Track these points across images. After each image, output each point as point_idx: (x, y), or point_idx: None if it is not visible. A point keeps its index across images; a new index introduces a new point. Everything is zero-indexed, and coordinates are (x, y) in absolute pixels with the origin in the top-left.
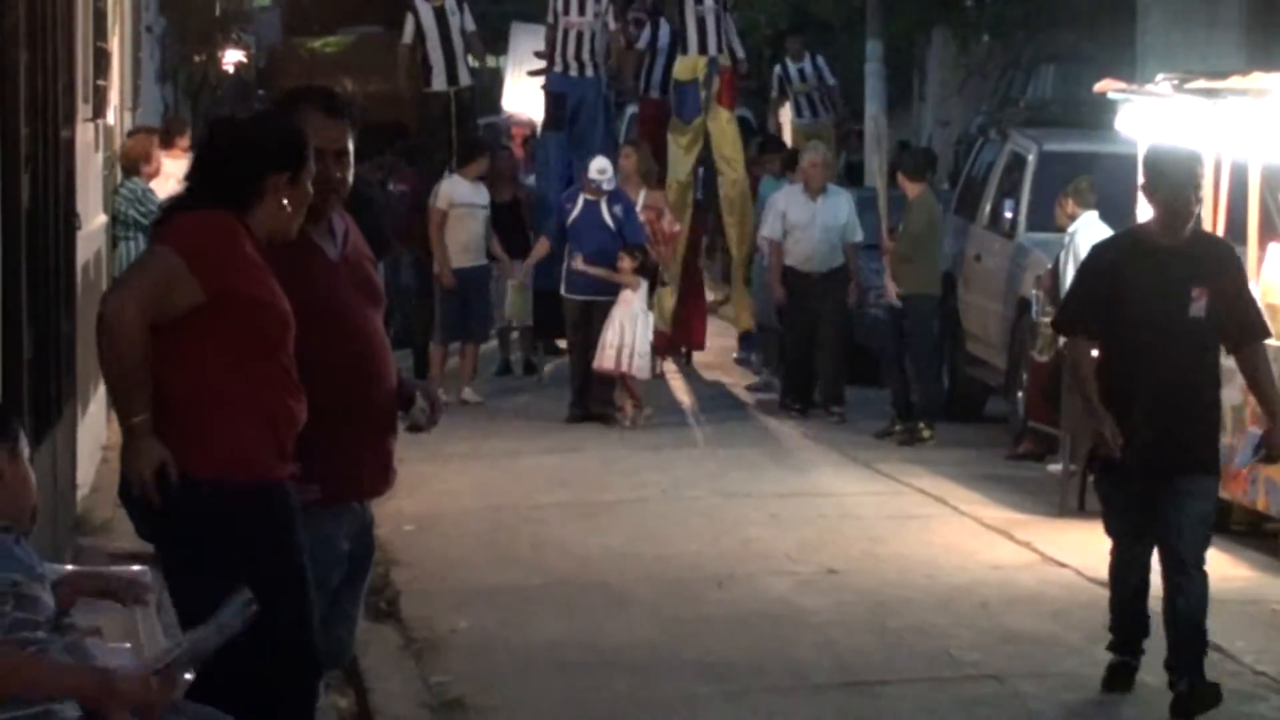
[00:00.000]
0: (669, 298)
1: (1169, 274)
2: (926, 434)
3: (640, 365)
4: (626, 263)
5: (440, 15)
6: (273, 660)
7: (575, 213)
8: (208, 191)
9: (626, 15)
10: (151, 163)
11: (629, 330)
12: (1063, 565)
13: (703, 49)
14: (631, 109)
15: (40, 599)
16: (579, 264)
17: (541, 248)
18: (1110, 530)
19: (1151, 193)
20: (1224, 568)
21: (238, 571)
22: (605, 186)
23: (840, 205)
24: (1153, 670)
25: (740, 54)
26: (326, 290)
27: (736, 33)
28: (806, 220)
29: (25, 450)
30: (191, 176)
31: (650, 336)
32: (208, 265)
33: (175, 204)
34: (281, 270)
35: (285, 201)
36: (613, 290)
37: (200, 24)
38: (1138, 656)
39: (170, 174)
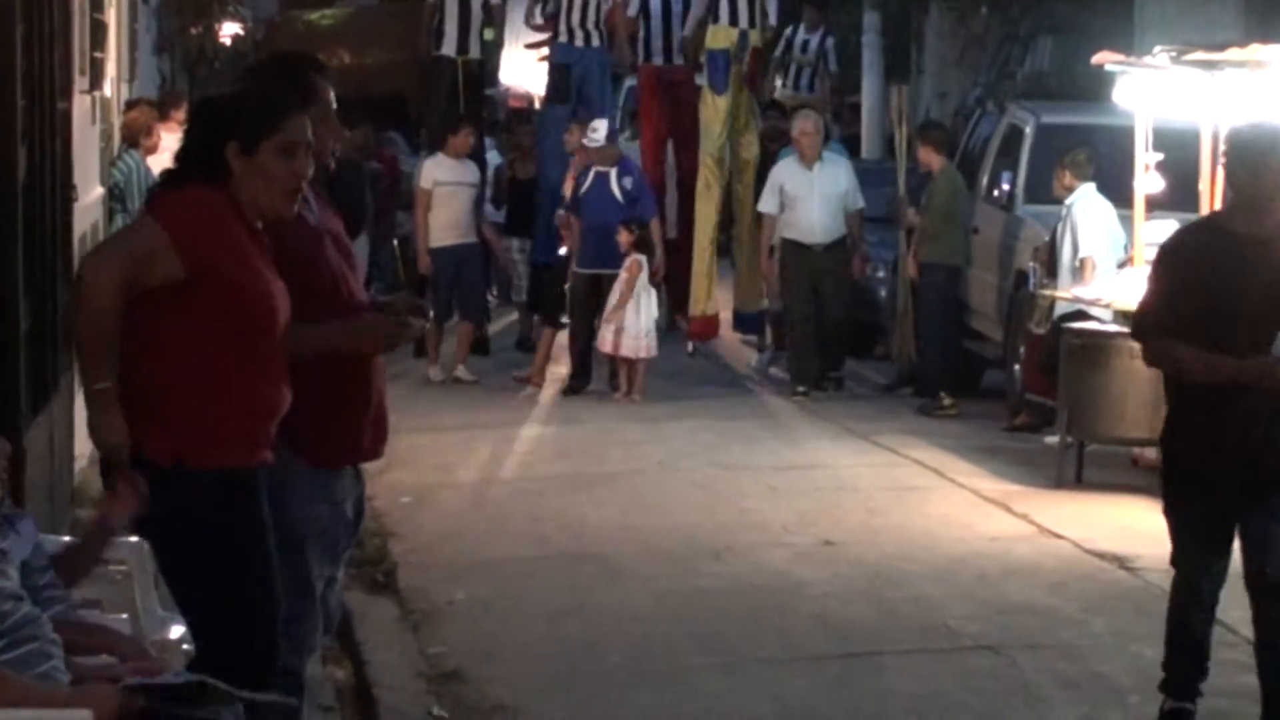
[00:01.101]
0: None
1: (1259, 267)
2: (948, 402)
3: (647, 345)
4: (625, 236)
5: None
6: (229, 658)
7: (585, 185)
8: (192, 168)
9: None
10: (152, 135)
11: (631, 311)
12: (1060, 537)
13: (734, 20)
14: (630, 82)
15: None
16: (576, 269)
17: (571, 232)
18: (1179, 560)
19: (1234, 177)
20: None
21: (201, 559)
22: (589, 143)
23: (839, 173)
24: (1152, 643)
25: (773, 19)
26: (316, 255)
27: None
28: (805, 191)
29: None
30: (178, 153)
31: (655, 313)
32: (192, 242)
33: (168, 179)
34: (274, 239)
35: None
36: (620, 263)
37: None
38: (1195, 701)
39: (167, 148)
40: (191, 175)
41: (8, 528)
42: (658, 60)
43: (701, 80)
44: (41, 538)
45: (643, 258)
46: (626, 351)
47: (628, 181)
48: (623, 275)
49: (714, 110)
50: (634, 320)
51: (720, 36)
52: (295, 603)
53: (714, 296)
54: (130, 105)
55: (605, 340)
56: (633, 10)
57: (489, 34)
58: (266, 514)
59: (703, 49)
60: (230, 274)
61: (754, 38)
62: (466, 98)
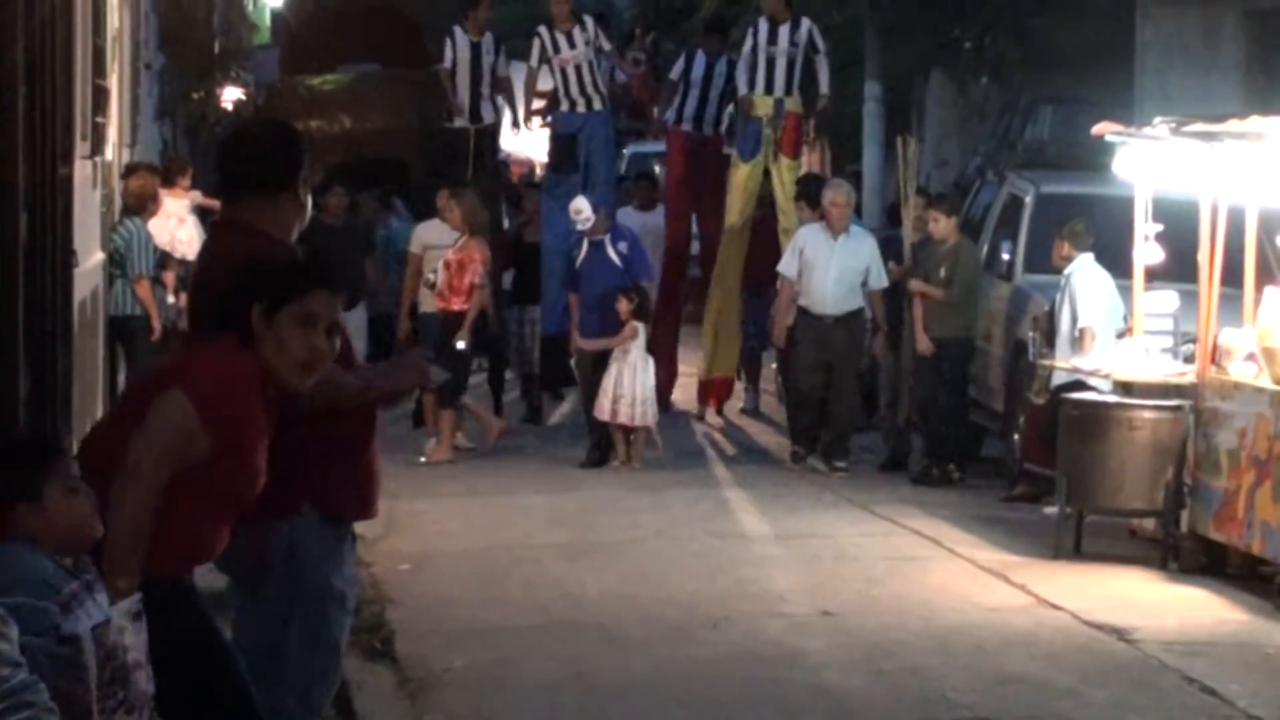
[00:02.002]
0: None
1: None
2: (957, 475)
3: (647, 413)
4: (624, 305)
5: (476, 50)
6: None
7: (581, 257)
8: (226, 321)
9: (624, 54)
10: (158, 202)
11: (628, 379)
12: (1058, 608)
13: (769, 89)
14: (632, 149)
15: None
16: (579, 341)
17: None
18: None
19: None
20: (1219, 611)
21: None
22: (579, 228)
23: (862, 247)
24: (1149, 715)
25: (825, 89)
26: None
27: (828, 69)
28: (824, 260)
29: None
30: (219, 303)
31: (651, 382)
32: (218, 424)
33: (199, 329)
34: None
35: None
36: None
37: (199, 61)
38: None
39: (172, 213)
40: (226, 327)
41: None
42: (689, 127)
43: (730, 150)
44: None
45: (640, 325)
46: (624, 419)
47: (623, 246)
48: (619, 337)
49: (738, 178)
50: (631, 387)
51: (756, 105)
52: (320, 664)
53: (732, 359)
54: (130, 170)
55: (603, 408)
56: (676, 74)
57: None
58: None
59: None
60: (241, 452)
61: (791, 104)
62: (479, 165)
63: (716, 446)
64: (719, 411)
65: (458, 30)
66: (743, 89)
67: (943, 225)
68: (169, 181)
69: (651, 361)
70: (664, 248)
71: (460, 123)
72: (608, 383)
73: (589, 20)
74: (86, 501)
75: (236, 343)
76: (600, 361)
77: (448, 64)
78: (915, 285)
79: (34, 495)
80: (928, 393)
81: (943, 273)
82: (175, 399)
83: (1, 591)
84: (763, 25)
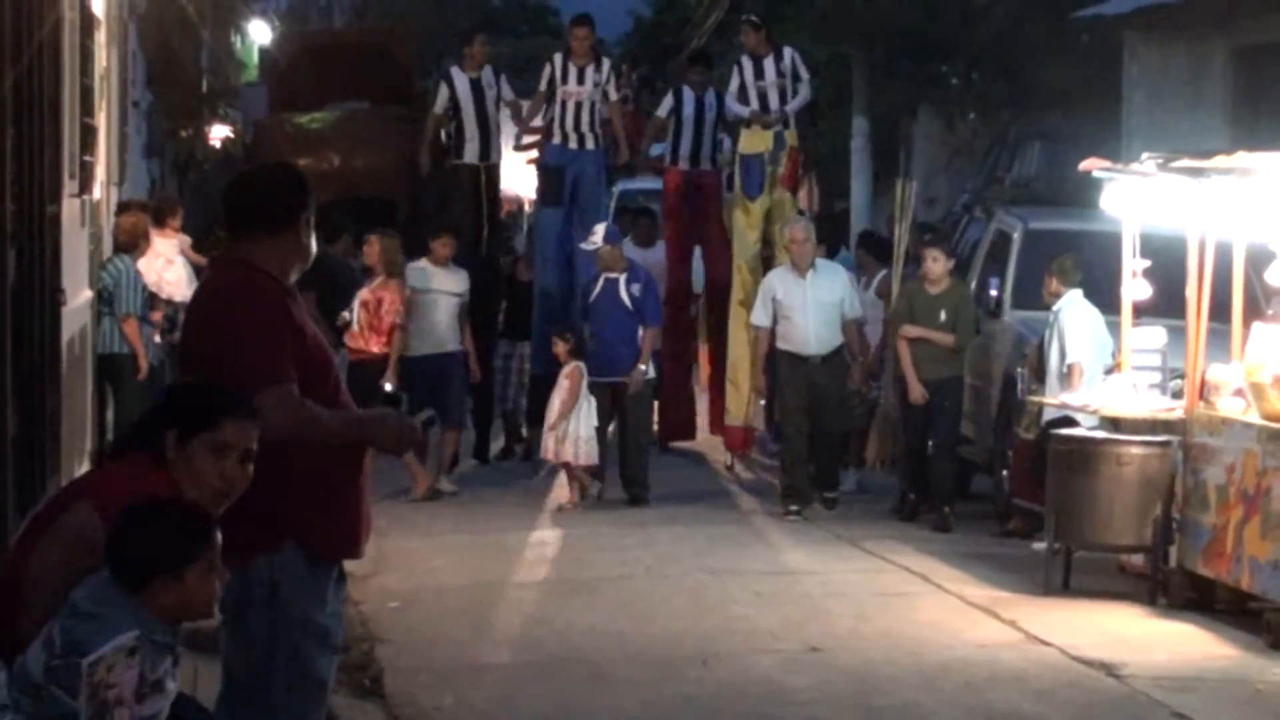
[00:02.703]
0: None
1: None
2: (952, 520)
3: (588, 451)
4: (560, 346)
5: (476, 86)
6: None
7: (595, 292)
8: (138, 440)
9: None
10: (149, 240)
11: (573, 417)
12: (1047, 644)
13: (766, 124)
14: (622, 185)
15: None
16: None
17: (654, 338)
18: None
19: None
20: (1208, 646)
21: None
22: (587, 248)
23: (834, 281)
24: None
25: (791, 110)
26: (319, 353)
27: (806, 99)
28: (799, 301)
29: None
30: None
31: (593, 421)
32: None
33: (116, 446)
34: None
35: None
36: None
37: (187, 99)
38: None
39: (161, 253)
40: (137, 445)
41: None
42: (685, 165)
43: (729, 194)
44: None
45: (581, 364)
46: (568, 457)
47: (636, 288)
48: (563, 383)
49: (747, 216)
50: (575, 426)
51: (755, 141)
52: (307, 700)
53: (753, 407)
54: (123, 208)
55: (547, 449)
56: (664, 111)
57: (518, 131)
58: None
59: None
60: None
61: (790, 138)
62: (490, 199)
63: (706, 484)
64: (744, 455)
65: (454, 71)
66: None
67: (941, 265)
68: (159, 222)
69: (593, 401)
70: (665, 286)
71: (469, 159)
72: (550, 421)
73: (606, 63)
74: (218, 580)
75: (151, 463)
76: (612, 399)
77: (439, 109)
78: (914, 331)
79: (179, 573)
80: (921, 437)
81: (943, 316)
82: (83, 513)
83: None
84: (746, 63)
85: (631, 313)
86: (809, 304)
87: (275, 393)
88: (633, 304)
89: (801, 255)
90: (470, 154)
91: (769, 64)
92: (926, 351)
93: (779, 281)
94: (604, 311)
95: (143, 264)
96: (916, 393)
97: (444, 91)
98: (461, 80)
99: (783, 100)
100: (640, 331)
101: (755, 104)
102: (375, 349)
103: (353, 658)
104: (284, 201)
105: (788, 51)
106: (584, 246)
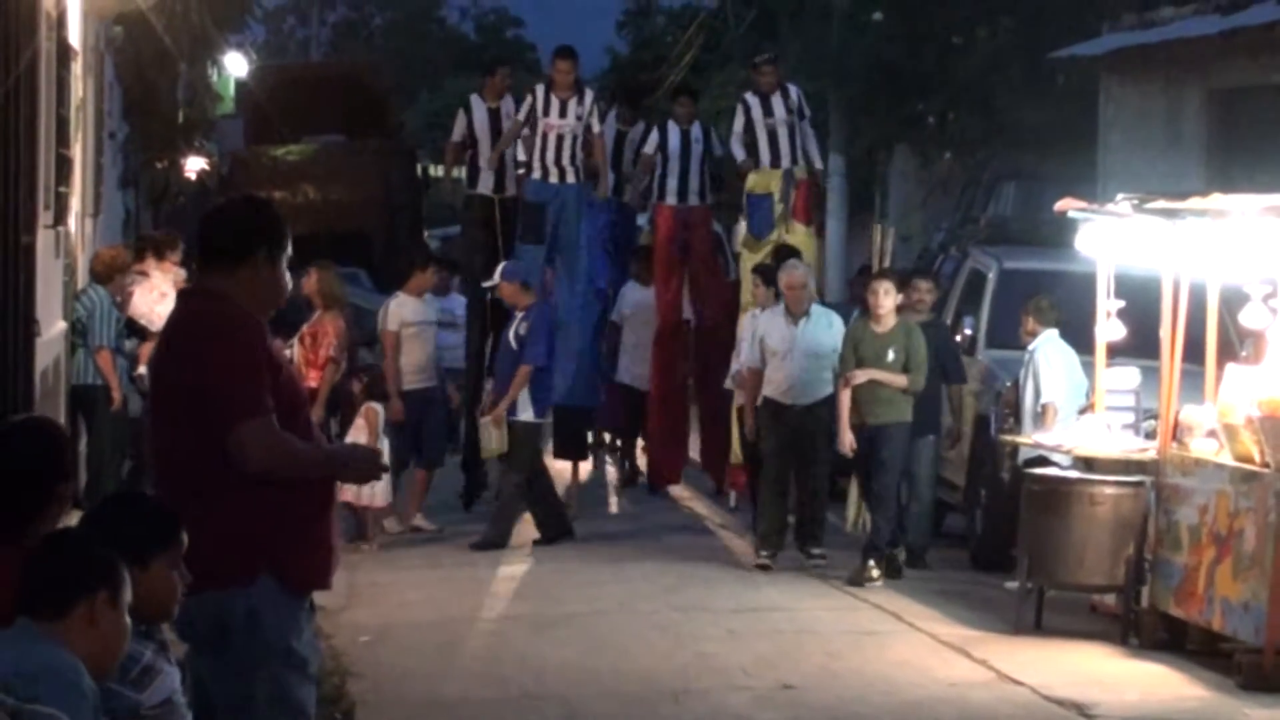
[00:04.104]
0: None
1: None
2: (876, 573)
3: (383, 492)
4: (355, 386)
5: (495, 116)
6: None
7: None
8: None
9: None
10: (126, 275)
11: None
12: (1019, 683)
13: (775, 163)
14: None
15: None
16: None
17: (522, 378)
18: None
19: None
20: (1179, 687)
21: None
22: (486, 285)
23: (825, 329)
24: None
25: (818, 164)
26: (292, 387)
27: (816, 140)
28: (786, 347)
29: (127, 598)
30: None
31: (386, 462)
32: None
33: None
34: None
35: None
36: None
37: (163, 131)
38: None
39: (156, 286)
40: None
41: None
42: (672, 200)
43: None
44: None
45: (379, 406)
46: (365, 500)
47: (523, 327)
48: (359, 422)
49: (754, 256)
50: None
51: (763, 180)
52: None
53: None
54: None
55: (344, 490)
56: (650, 148)
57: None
58: None
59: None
60: None
61: (799, 172)
62: (503, 233)
63: (680, 520)
64: (741, 495)
65: (474, 99)
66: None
67: (890, 299)
68: (159, 255)
69: (386, 442)
70: (654, 326)
71: (483, 190)
72: None
73: (589, 94)
74: (179, 580)
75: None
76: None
77: (457, 137)
78: (860, 375)
79: (144, 562)
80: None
81: (891, 355)
82: None
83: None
84: (753, 100)
85: (515, 351)
86: (796, 353)
87: (255, 425)
88: (517, 342)
89: (797, 301)
90: (484, 185)
91: (777, 101)
92: (873, 394)
93: (768, 325)
94: (501, 349)
95: (137, 296)
96: (844, 444)
97: (462, 120)
98: (480, 109)
99: (791, 136)
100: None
101: (765, 144)
102: (312, 383)
103: (325, 692)
104: (254, 233)
105: (793, 89)
106: (484, 284)
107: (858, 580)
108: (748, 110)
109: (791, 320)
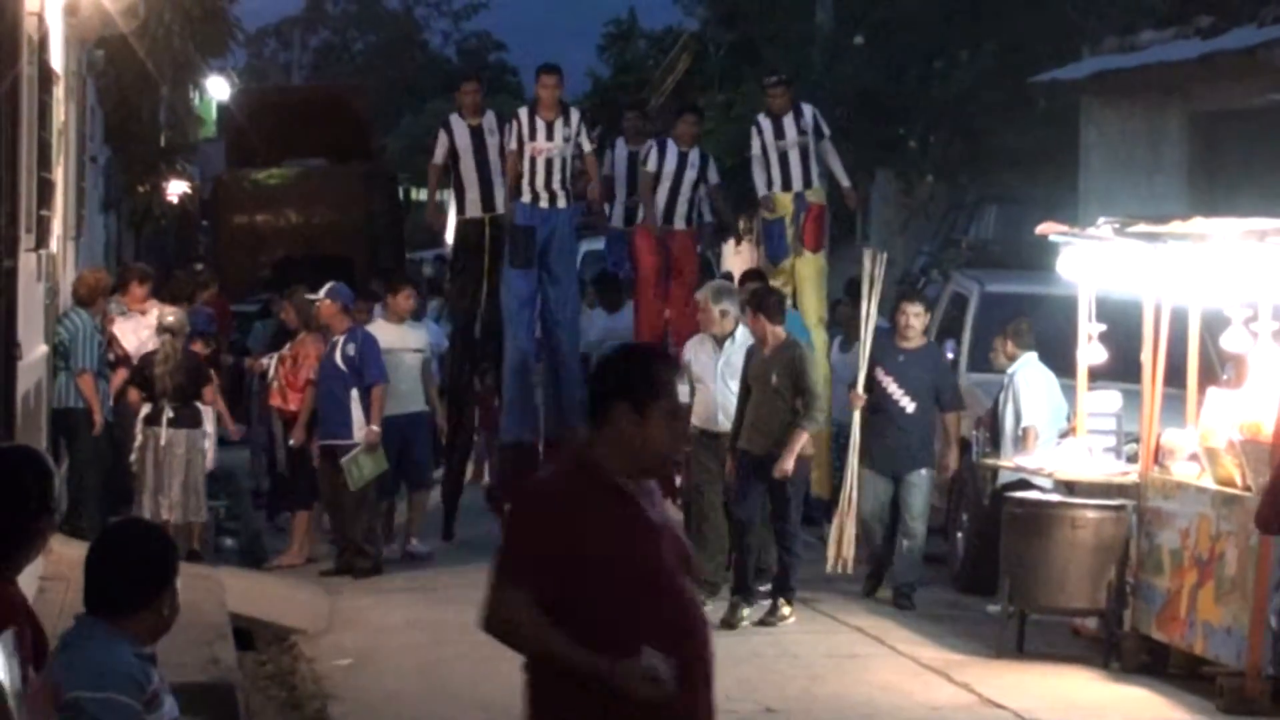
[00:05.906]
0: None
1: None
2: (787, 610)
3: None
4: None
5: (477, 135)
6: None
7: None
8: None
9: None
10: (106, 299)
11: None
12: (1000, 707)
13: (786, 185)
14: (586, 246)
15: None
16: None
17: (380, 398)
18: None
19: None
20: (1161, 710)
21: None
22: (311, 297)
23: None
24: None
25: (844, 181)
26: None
27: (838, 157)
28: (710, 373)
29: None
30: None
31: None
32: None
33: None
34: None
35: None
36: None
37: (145, 154)
38: None
39: (153, 323)
40: None
41: None
42: (659, 222)
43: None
44: None
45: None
46: (165, 516)
47: (351, 348)
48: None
49: (774, 281)
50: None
51: (778, 205)
52: None
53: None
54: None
55: (142, 506)
56: (652, 166)
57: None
58: None
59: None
60: None
61: (812, 195)
62: (493, 254)
63: None
64: None
65: (453, 119)
66: (761, 190)
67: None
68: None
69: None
70: None
71: (472, 214)
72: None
73: (575, 114)
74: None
75: None
76: (334, 463)
77: (439, 159)
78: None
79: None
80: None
81: (774, 379)
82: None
83: (93, 687)
84: (765, 123)
85: (344, 374)
86: (718, 375)
87: None
88: (347, 365)
89: (705, 324)
90: (472, 207)
91: (789, 122)
92: (762, 420)
93: (694, 350)
94: (325, 373)
95: (132, 324)
96: (784, 466)
97: (443, 141)
98: (461, 128)
99: (804, 158)
100: (354, 393)
101: (777, 167)
102: (294, 406)
103: (305, 716)
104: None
105: (807, 109)
106: (309, 296)
107: (770, 621)
108: (760, 133)
109: (716, 344)
